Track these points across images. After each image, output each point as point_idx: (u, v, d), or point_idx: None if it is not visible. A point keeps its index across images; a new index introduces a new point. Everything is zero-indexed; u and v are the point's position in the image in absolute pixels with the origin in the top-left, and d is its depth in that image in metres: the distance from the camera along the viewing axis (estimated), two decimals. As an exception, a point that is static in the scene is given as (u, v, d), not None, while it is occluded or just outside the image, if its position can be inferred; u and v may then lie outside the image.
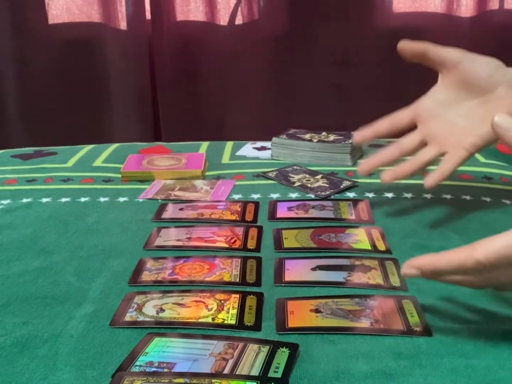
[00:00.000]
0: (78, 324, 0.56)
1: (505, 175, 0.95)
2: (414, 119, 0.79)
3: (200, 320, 0.56)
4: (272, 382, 0.46)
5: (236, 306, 0.58)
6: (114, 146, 1.19)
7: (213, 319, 0.56)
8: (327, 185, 0.91)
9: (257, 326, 0.55)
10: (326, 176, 0.96)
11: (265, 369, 0.48)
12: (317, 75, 1.89)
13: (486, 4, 1.81)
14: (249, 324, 0.55)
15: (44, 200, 0.90)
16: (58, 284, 0.64)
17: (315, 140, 1.06)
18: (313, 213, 0.82)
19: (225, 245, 0.73)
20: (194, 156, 1.06)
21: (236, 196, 0.90)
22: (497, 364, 0.48)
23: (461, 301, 0.58)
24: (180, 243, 0.74)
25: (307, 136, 1.08)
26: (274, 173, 0.99)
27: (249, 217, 0.81)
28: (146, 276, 0.65)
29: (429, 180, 0.73)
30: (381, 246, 0.71)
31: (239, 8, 1.87)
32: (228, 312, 0.57)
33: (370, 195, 0.88)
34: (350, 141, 1.03)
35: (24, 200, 0.89)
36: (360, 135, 0.81)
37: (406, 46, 0.77)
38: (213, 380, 0.46)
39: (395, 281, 0.62)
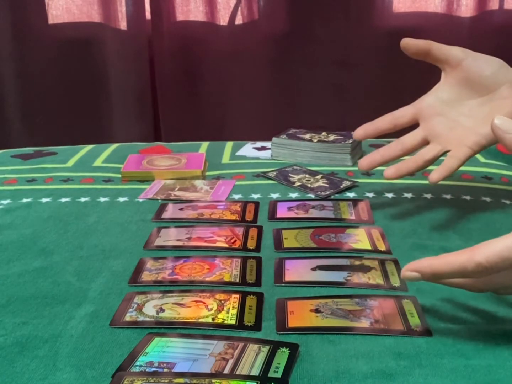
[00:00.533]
0: (78, 324, 0.56)
1: (505, 175, 0.95)
2: (416, 117, 0.79)
3: (200, 320, 0.56)
4: (272, 382, 0.46)
5: (236, 306, 0.58)
6: (114, 146, 1.19)
7: (213, 319, 0.56)
8: (327, 185, 0.91)
9: (257, 326, 0.55)
10: (326, 176, 0.96)
11: (265, 369, 0.48)
12: (317, 75, 1.89)
13: (486, 4, 1.81)
14: (249, 324, 0.55)
15: (44, 200, 0.90)
16: (58, 284, 0.64)
17: (315, 140, 1.06)
18: (313, 213, 0.82)
19: (225, 245, 0.73)
20: (194, 156, 1.06)
21: (236, 196, 0.90)
22: (497, 364, 0.48)
23: (461, 301, 0.58)
24: (180, 243, 0.74)
25: (307, 136, 1.08)
26: (274, 173, 0.99)
27: (249, 217, 0.81)
28: (146, 276, 0.65)
29: (435, 175, 0.72)
30: (381, 246, 0.71)
31: (239, 8, 1.87)
32: (228, 312, 0.57)
33: (370, 195, 0.88)
34: (350, 141, 1.03)
35: (24, 200, 0.89)
36: (362, 130, 0.81)
37: (410, 42, 0.77)
38: (213, 380, 0.46)
39: (395, 281, 0.62)
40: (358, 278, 0.63)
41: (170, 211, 0.84)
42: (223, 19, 1.88)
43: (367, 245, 0.71)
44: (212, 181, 0.96)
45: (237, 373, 0.48)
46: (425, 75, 1.86)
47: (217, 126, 1.95)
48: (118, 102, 1.94)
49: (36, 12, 1.86)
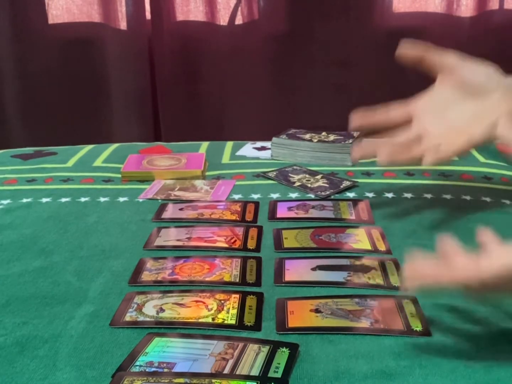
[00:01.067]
0: (78, 324, 0.56)
1: (505, 175, 0.95)
2: (410, 115, 0.80)
3: (200, 320, 0.56)
4: (272, 382, 0.46)
5: (236, 306, 0.58)
6: (114, 146, 1.19)
7: (213, 319, 0.56)
8: (327, 185, 0.91)
9: (257, 326, 0.55)
10: (326, 176, 0.96)
11: (265, 369, 0.48)
12: (317, 75, 1.89)
13: (486, 4, 1.81)
14: (249, 324, 0.55)
15: (44, 200, 0.90)
16: (58, 284, 0.64)
17: (315, 140, 1.06)
18: (313, 213, 0.82)
19: (225, 245, 0.73)
20: (194, 156, 1.06)
21: (236, 196, 0.90)
22: (497, 364, 0.48)
23: (461, 302, 0.58)
24: (180, 243, 0.74)
25: (307, 136, 1.08)
26: (274, 173, 0.98)
27: (249, 217, 0.81)
28: (146, 276, 0.65)
29: (428, 158, 0.73)
30: (381, 246, 0.71)
31: (239, 8, 1.87)
32: (228, 312, 0.57)
33: (370, 195, 0.88)
34: (350, 141, 1.03)
35: (24, 200, 0.89)
36: (358, 119, 0.81)
37: (405, 52, 0.79)
38: (213, 380, 0.46)
39: (395, 281, 0.62)
40: (358, 278, 0.63)
41: (170, 211, 0.84)
42: (223, 19, 1.88)
43: (367, 245, 0.71)
44: (212, 181, 0.96)
45: (237, 373, 0.48)
46: (424, 75, 1.87)
47: (217, 126, 1.95)
48: (118, 102, 1.94)
49: (36, 12, 1.86)
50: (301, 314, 0.57)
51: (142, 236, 0.76)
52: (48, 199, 0.90)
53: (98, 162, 1.08)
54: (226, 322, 0.55)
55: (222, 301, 0.59)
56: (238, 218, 0.81)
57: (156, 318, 0.57)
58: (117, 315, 0.57)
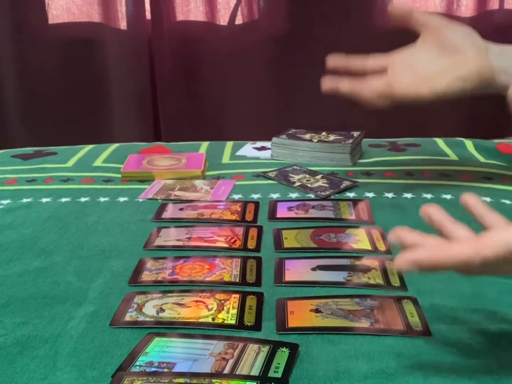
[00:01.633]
0: (78, 324, 0.56)
1: (505, 175, 0.95)
2: (386, 64, 0.85)
3: (200, 320, 0.56)
4: (272, 382, 0.46)
5: (236, 306, 0.58)
6: (114, 146, 1.19)
7: (213, 319, 0.56)
8: (327, 185, 0.91)
9: (257, 326, 0.55)
10: (326, 176, 0.96)
11: (265, 369, 0.48)
12: (317, 75, 1.89)
13: (486, 4, 1.81)
14: (249, 324, 0.55)
15: (44, 200, 0.90)
16: (58, 284, 0.64)
17: (315, 140, 1.06)
18: (313, 213, 0.82)
19: (225, 245, 0.73)
20: (194, 156, 1.06)
21: (236, 196, 0.90)
22: (497, 364, 0.48)
23: (461, 301, 0.58)
24: (180, 243, 0.74)
25: (307, 136, 1.08)
26: (274, 173, 0.99)
27: (249, 217, 0.81)
28: (146, 276, 0.65)
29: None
30: (381, 246, 0.71)
31: (239, 8, 1.87)
32: (228, 312, 0.57)
33: (370, 195, 0.88)
34: (350, 141, 1.03)
35: (24, 200, 0.89)
36: (333, 60, 0.90)
37: (395, 9, 0.85)
38: (213, 380, 0.46)
39: (395, 281, 0.62)
40: (358, 278, 0.63)
41: (170, 211, 0.84)
42: (223, 19, 1.88)
43: (367, 245, 0.71)
44: (212, 181, 0.96)
45: (237, 373, 0.48)
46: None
47: (217, 126, 1.95)
48: (118, 102, 1.94)
49: (36, 12, 1.86)
50: (301, 314, 0.57)
51: (142, 236, 0.76)
52: (48, 199, 0.90)
53: (98, 162, 1.08)
54: (226, 322, 0.55)
55: (222, 301, 0.59)
56: (238, 218, 0.81)
57: (156, 318, 0.57)
58: (117, 315, 0.57)
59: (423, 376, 0.47)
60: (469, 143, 1.14)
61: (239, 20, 1.88)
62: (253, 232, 0.76)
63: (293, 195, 0.89)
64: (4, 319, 0.57)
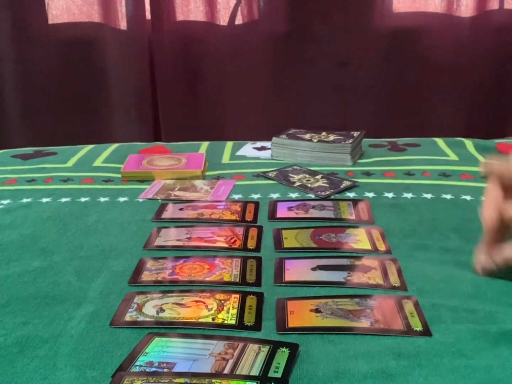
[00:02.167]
0: (78, 324, 0.56)
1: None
2: None
3: (200, 320, 0.56)
4: (272, 382, 0.46)
5: (236, 306, 0.58)
6: (114, 146, 1.19)
7: (213, 319, 0.56)
8: (327, 185, 0.91)
9: (257, 326, 0.55)
10: (326, 176, 0.96)
11: (265, 369, 0.48)
12: (317, 75, 1.89)
13: (486, 4, 1.81)
14: (249, 324, 0.55)
15: (44, 200, 0.90)
16: (58, 284, 0.64)
17: (315, 140, 1.06)
18: (313, 213, 0.82)
19: (225, 245, 0.73)
20: (194, 156, 1.06)
21: (236, 196, 0.90)
22: (497, 364, 0.48)
23: (461, 301, 0.58)
24: (180, 243, 0.74)
25: (307, 136, 1.08)
26: (274, 173, 0.98)
27: (249, 217, 0.81)
28: (146, 276, 0.65)
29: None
30: (381, 246, 0.71)
31: (239, 8, 1.87)
32: (228, 312, 0.57)
33: (370, 195, 0.88)
34: (350, 141, 1.03)
35: (24, 200, 0.89)
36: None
37: (487, 168, 0.67)
38: (213, 380, 0.46)
39: (395, 281, 0.62)
40: (358, 278, 0.63)
41: (170, 211, 0.84)
42: (223, 19, 1.88)
43: (367, 245, 0.71)
44: (212, 181, 0.96)
45: (237, 373, 0.48)
46: (424, 75, 1.87)
47: (217, 126, 1.95)
48: (118, 102, 1.94)
49: (36, 12, 1.86)
50: (301, 314, 0.57)
51: (142, 236, 0.76)
52: (48, 199, 0.90)
53: (98, 162, 1.08)
54: (226, 322, 0.55)
55: (222, 301, 0.59)
56: (238, 218, 0.81)
57: (156, 318, 0.57)
58: (117, 315, 0.57)
59: (423, 376, 0.47)
60: (469, 143, 1.14)
61: (239, 20, 1.88)
62: (253, 232, 0.76)
63: (293, 195, 0.89)
64: (4, 319, 0.57)
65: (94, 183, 0.97)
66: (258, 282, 0.63)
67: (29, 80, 1.91)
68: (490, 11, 1.81)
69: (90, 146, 1.19)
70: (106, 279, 0.65)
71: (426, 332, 0.53)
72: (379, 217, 0.80)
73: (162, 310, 0.58)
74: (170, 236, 0.76)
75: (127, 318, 0.57)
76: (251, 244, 0.73)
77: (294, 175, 0.97)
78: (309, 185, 0.92)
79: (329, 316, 0.56)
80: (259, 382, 0.46)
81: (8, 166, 1.08)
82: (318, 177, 0.95)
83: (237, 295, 0.60)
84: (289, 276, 0.64)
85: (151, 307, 0.58)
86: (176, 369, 0.48)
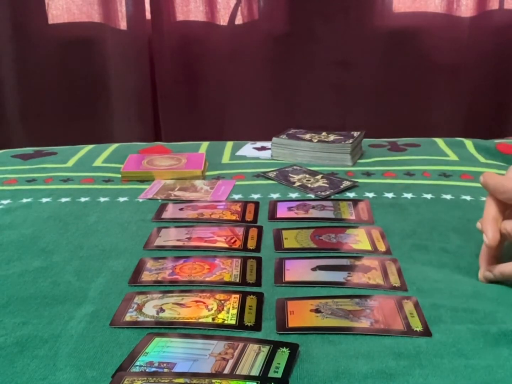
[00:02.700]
0: (78, 324, 0.56)
1: (505, 175, 0.95)
2: None
3: (200, 320, 0.56)
4: (272, 382, 0.46)
5: (236, 306, 0.58)
6: (114, 146, 1.19)
7: (213, 319, 0.56)
8: (327, 185, 0.91)
9: (257, 326, 0.55)
10: (326, 176, 0.96)
11: (265, 369, 0.48)
12: (317, 75, 1.89)
13: (486, 4, 1.81)
14: (249, 324, 0.55)
15: (44, 200, 0.90)
16: (58, 284, 0.64)
17: (315, 140, 1.06)
18: (313, 213, 0.82)
19: (225, 245, 0.73)
20: (194, 156, 1.06)
21: (236, 196, 0.90)
22: (497, 364, 0.48)
23: (461, 301, 0.58)
24: (180, 243, 0.74)
25: (307, 136, 1.08)
26: (274, 173, 0.98)
27: (249, 217, 0.81)
28: (146, 276, 0.65)
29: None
30: (381, 246, 0.71)
31: (239, 8, 1.87)
32: (228, 312, 0.57)
33: (370, 195, 0.88)
34: (350, 141, 1.03)
35: (24, 200, 0.89)
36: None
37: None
38: (213, 380, 0.46)
39: (395, 281, 0.62)
40: (358, 278, 0.63)
41: (170, 211, 0.84)
42: (223, 19, 1.88)
43: (367, 245, 0.71)
44: (212, 181, 0.96)
45: (237, 373, 0.48)
46: (424, 75, 1.87)
47: (217, 126, 1.95)
48: (118, 102, 1.94)
49: (36, 12, 1.86)
50: (301, 314, 0.57)
51: (142, 236, 0.76)
52: (48, 199, 0.90)
53: (98, 162, 1.08)
54: (226, 322, 0.55)
55: (222, 301, 0.59)
56: (238, 218, 0.81)
57: (156, 318, 0.57)
58: (117, 315, 0.57)
59: (423, 376, 0.47)
60: (469, 143, 1.14)
61: (239, 20, 1.88)
62: (253, 232, 0.76)
63: (293, 195, 0.89)
64: (4, 319, 0.57)
65: (94, 183, 0.97)
66: (258, 282, 0.63)
67: (29, 80, 1.91)
68: (490, 11, 1.81)
69: (90, 146, 1.19)
70: (106, 279, 0.65)
71: (426, 332, 0.53)
72: (379, 217, 0.80)
73: (162, 310, 0.58)
74: (170, 236, 0.76)
75: (127, 318, 0.57)
76: (251, 244, 0.73)
77: (294, 175, 0.97)
78: (309, 185, 0.92)
79: (329, 316, 0.56)
80: (259, 382, 0.46)
81: (8, 166, 1.08)
82: (318, 177, 0.95)
83: (237, 295, 0.60)
84: (289, 276, 0.64)
85: (151, 307, 0.58)
86: (176, 369, 0.48)
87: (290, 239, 0.74)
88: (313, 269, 0.66)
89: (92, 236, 0.77)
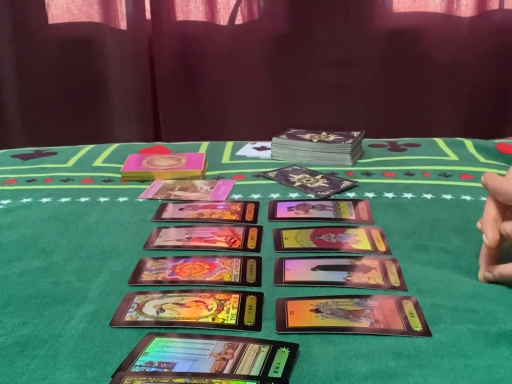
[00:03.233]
0: (78, 324, 0.56)
1: (504, 175, 0.95)
2: None
3: (200, 320, 0.56)
4: (272, 382, 0.46)
5: (236, 306, 0.58)
6: (114, 146, 1.19)
7: (213, 319, 0.56)
8: (327, 185, 0.91)
9: (257, 326, 0.55)
10: (326, 176, 0.96)
11: (265, 369, 0.48)
12: (317, 75, 1.89)
13: (486, 4, 1.81)
14: (249, 324, 0.55)
15: (44, 200, 0.90)
16: (58, 284, 0.64)
17: (315, 140, 1.06)
18: (313, 213, 0.82)
19: (225, 245, 0.73)
20: (194, 156, 1.06)
21: (236, 196, 0.90)
22: (497, 364, 0.48)
23: (461, 301, 0.58)
24: (180, 243, 0.74)
25: (307, 136, 1.08)
26: (274, 173, 0.98)
27: (249, 217, 0.81)
28: (146, 276, 0.65)
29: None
30: (381, 246, 0.71)
31: (239, 8, 1.87)
32: (228, 312, 0.57)
33: (370, 195, 0.88)
34: (350, 141, 1.03)
35: (24, 200, 0.89)
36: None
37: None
38: (213, 380, 0.46)
39: (395, 281, 0.62)
40: (358, 278, 0.63)
41: (170, 211, 0.84)
42: (223, 19, 1.88)
43: (367, 245, 0.71)
44: (212, 181, 0.96)
45: (237, 373, 0.48)
46: (424, 75, 1.87)
47: (217, 126, 1.95)
48: (118, 102, 1.94)
49: (36, 12, 1.86)
50: (301, 314, 0.57)
51: (142, 236, 0.76)
52: (48, 199, 0.90)
53: (98, 162, 1.08)
54: (226, 322, 0.55)
55: (222, 301, 0.59)
56: (238, 218, 0.81)
57: (156, 318, 0.57)
58: (117, 315, 0.57)
59: (423, 376, 0.47)
60: (469, 143, 1.14)
61: (239, 20, 1.88)
62: (253, 232, 0.76)
63: (293, 195, 0.89)
64: (4, 319, 0.57)
65: (94, 183, 0.97)
66: (258, 282, 0.63)
67: (28, 80, 1.91)
68: (490, 11, 1.81)
69: (90, 146, 1.19)
70: (106, 279, 0.65)
71: (426, 332, 0.53)
72: (379, 217, 0.80)
73: (162, 310, 0.58)
74: (170, 236, 0.76)
75: (127, 318, 0.57)
76: (251, 244, 0.73)
77: (294, 175, 0.97)
78: (309, 185, 0.92)
79: (329, 316, 0.56)
80: (259, 382, 0.46)
81: (8, 166, 1.08)
82: (318, 177, 0.95)
83: (237, 295, 0.60)
84: (289, 276, 0.64)
85: (151, 307, 0.58)
86: (176, 369, 0.48)
87: (290, 239, 0.74)
88: (313, 269, 0.66)
89: (92, 236, 0.77)
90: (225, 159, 1.09)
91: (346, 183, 0.92)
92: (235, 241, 0.74)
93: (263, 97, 1.92)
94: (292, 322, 0.55)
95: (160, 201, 0.88)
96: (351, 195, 0.88)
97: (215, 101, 1.94)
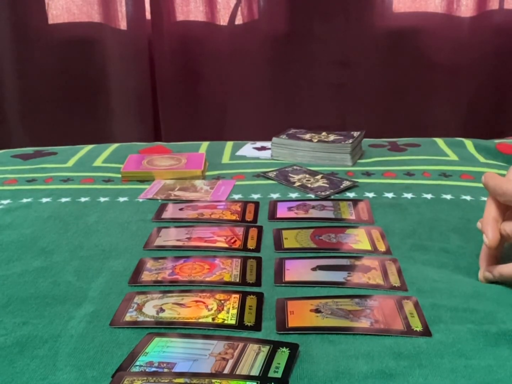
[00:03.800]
0: (78, 324, 0.56)
1: (505, 175, 0.95)
2: None
3: (200, 320, 0.56)
4: (272, 382, 0.46)
5: (236, 306, 0.58)
6: (114, 146, 1.19)
7: (213, 319, 0.56)
8: (327, 185, 0.91)
9: (257, 326, 0.55)
10: (326, 176, 0.96)
11: (265, 369, 0.48)
12: (317, 75, 1.89)
13: (486, 4, 1.81)
14: (249, 324, 0.55)
15: (44, 200, 0.90)
16: (58, 284, 0.64)
17: (315, 140, 1.06)
18: (313, 213, 0.82)
19: (225, 245, 0.73)
20: (194, 156, 1.06)
21: (236, 196, 0.90)
22: (497, 364, 0.48)
23: (461, 301, 0.58)
24: (180, 243, 0.74)
25: (307, 136, 1.08)
26: (274, 173, 0.98)
27: (249, 217, 0.81)
28: (146, 276, 0.65)
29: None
30: (381, 246, 0.71)
31: (239, 8, 1.87)
32: (228, 312, 0.57)
33: (370, 195, 0.88)
34: (350, 141, 1.03)
35: (24, 200, 0.89)
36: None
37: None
38: (213, 380, 0.46)
39: (395, 281, 0.62)
40: (358, 278, 0.63)
41: (170, 211, 0.84)
42: (223, 19, 1.88)
43: (367, 245, 0.71)
44: (212, 181, 0.96)
45: (237, 373, 0.48)
46: (424, 75, 1.87)
47: (217, 126, 1.95)
48: (118, 102, 1.94)
49: (36, 12, 1.86)
50: (301, 314, 0.57)
51: (142, 236, 0.76)
52: (48, 199, 0.90)
53: (98, 162, 1.08)
54: (226, 322, 0.55)
55: (222, 301, 0.59)
56: (238, 218, 0.81)
57: (156, 318, 0.57)
58: (117, 315, 0.57)
59: (423, 376, 0.47)
60: (469, 143, 1.14)
61: (239, 20, 1.88)
62: (253, 232, 0.76)
63: (293, 195, 0.89)
64: (4, 319, 0.57)
65: (94, 183, 0.97)
66: (258, 282, 0.63)
67: (29, 80, 1.91)
68: (490, 11, 1.81)
69: (90, 146, 1.19)
70: (106, 279, 0.65)
71: (426, 332, 0.53)
72: (379, 217, 0.80)
73: (162, 310, 0.58)
74: (170, 236, 0.76)
75: (127, 318, 0.57)
76: (251, 244, 0.73)
77: (294, 175, 0.97)
78: (309, 185, 0.92)
79: (329, 316, 0.56)
80: (259, 382, 0.46)
81: (8, 166, 1.08)
82: (318, 177, 0.95)
83: (237, 295, 0.60)
84: (289, 276, 0.64)
85: (151, 307, 0.58)
86: (176, 369, 0.48)
87: (290, 239, 0.74)
88: (313, 269, 0.66)
89: (92, 236, 0.77)
90: (225, 159, 1.09)
91: (346, 183, 0.92)
92: (235, 241, 0.74)
93: (263, 97, 1.92)
94: (292, 322, 0.55)
95: (160, 201, 0.88)
96: (351, 195, 0.88)
97: (215, 101, 1.94)
